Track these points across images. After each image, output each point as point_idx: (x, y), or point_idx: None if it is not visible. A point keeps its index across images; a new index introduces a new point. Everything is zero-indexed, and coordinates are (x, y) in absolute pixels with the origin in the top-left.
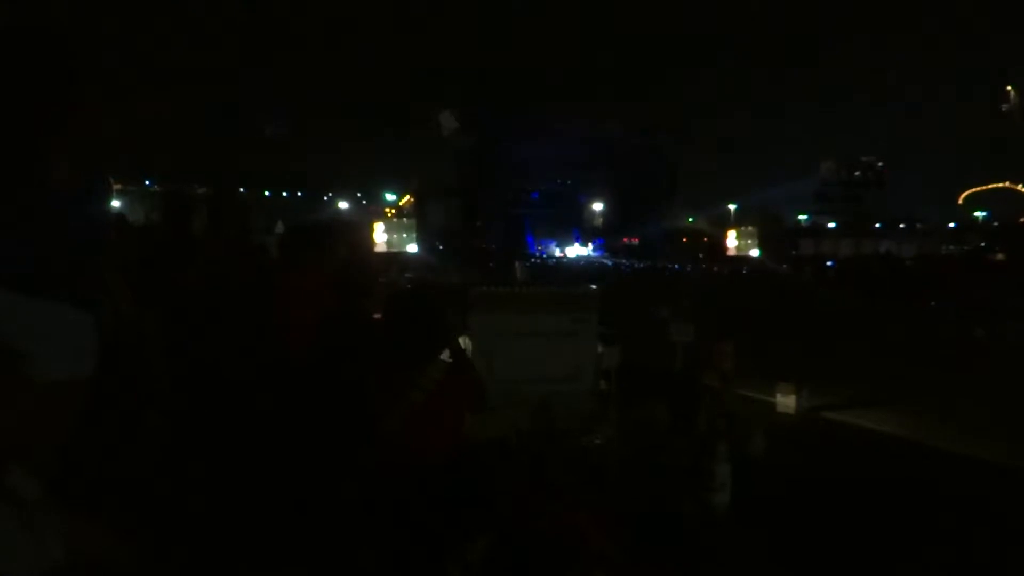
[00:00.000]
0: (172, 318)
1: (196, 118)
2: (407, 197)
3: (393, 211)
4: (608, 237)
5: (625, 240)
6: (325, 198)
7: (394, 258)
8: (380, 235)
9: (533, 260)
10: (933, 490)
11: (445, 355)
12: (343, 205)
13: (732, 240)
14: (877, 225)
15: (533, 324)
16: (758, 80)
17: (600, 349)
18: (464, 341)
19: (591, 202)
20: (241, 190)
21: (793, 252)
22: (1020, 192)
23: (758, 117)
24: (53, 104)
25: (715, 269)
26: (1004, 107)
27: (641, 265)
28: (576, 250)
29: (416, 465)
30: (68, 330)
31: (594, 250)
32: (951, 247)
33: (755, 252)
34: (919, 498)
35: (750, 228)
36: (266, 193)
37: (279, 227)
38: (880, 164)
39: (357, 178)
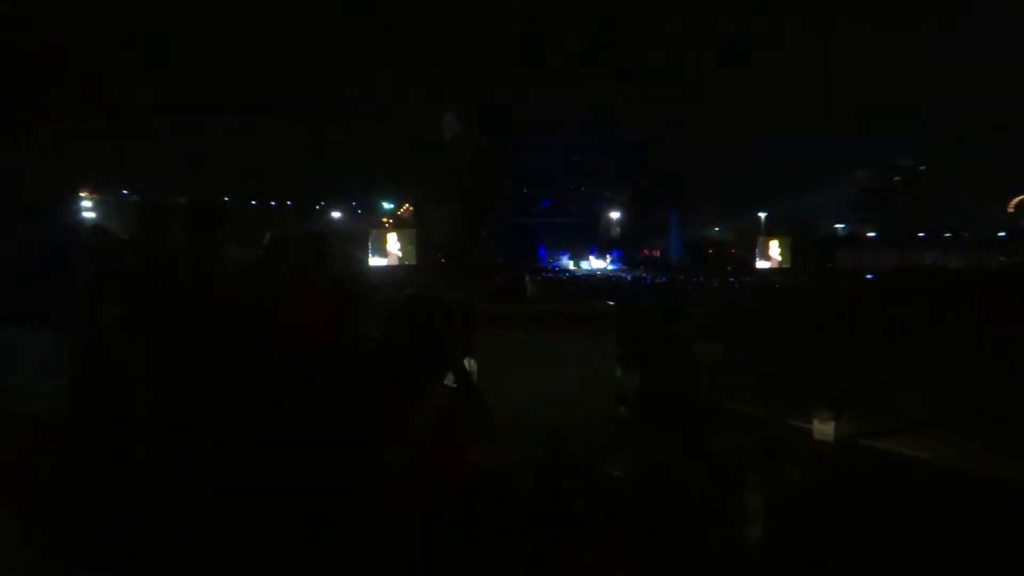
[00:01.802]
0: (153, 342)
1: (176, 123)
2: (405, 206)
3: (391, 221)
4: (627, 249)
5: (645, 252)
6: (317, 207)
7: (392, 272)
8: (391, 246)
9: (544, 274)
10: (988, 523)
11: (449, 379)
12: (336, 215)
13: (775, 250)
14: (920, 235)
15: (545, 344)
16: (787, 82)
17: (618, 372)
18: (469, 363)
19: (608, 210)
20: (225, 199)
21: (829, 264)
22: None
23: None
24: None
25: (745, 283)
26: None
27: (663, 279)
28: (592, 263)
29: (417, 501)
30: (46, 360)
31: (612, 263)
32: (1002, 259)
33: (778, 263)
34: (972, 531)
35: (783, 239)
36: (252, 203)
37: (267, 238)
38: (922, 167)
39: (352, 186)
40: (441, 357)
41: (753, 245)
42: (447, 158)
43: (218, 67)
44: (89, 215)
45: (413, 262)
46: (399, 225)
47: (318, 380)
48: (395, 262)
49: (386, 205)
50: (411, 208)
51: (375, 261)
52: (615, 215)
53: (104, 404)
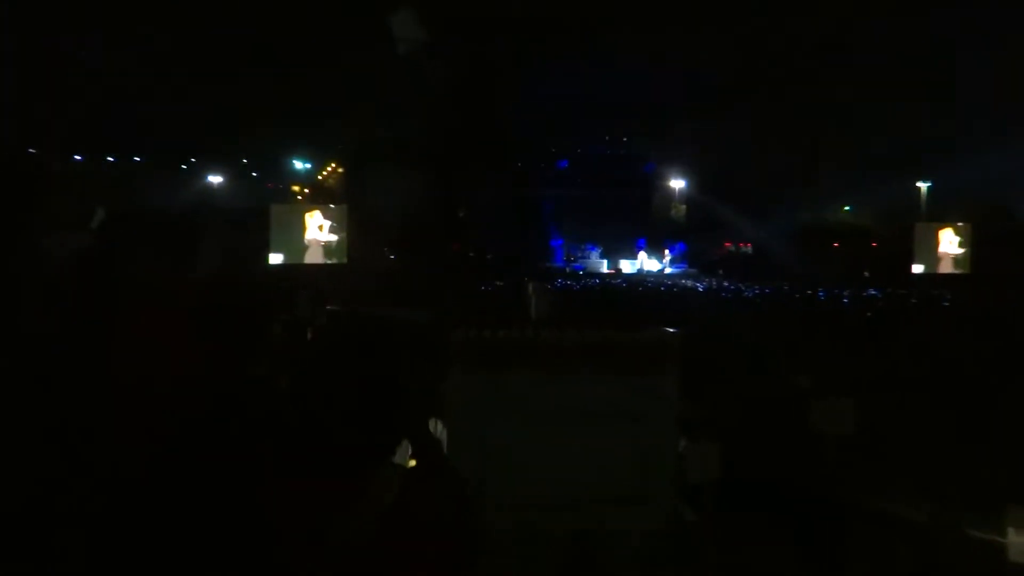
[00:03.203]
0: None
1: None
2: (331, 167)
3: (306, 191)
4: (698, 240)
5: (728, 245)
6: (183, 167)
7: (308, 276)
8: (311, 234)
9: (560, 281)
10: None
11: (402, 455)
12: (214, 180)
13: (948, 244)
14: None
15: (562, 398)
16: None
17: (683, 444)
18: (437, 428)
19: (666, 177)
20: (33, 152)
21: None
22: None
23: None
24: None
25: (893, 298)
26: None
27: (757, 291)
28: (639, 263)
29: None
30: None
31: (672, 263)
32: None
33: (951, 266)
34: None
35: (961, 226)
36: (76, 158)
37: (98, 218)
38: None
39: (242, 133)
40: (389, 418)
41: (907, 236)
42: (403, 86)
43: None
44: None
45: (343, 259)
46: (320, 199)
47: (171, 462)
48: (314, 259)
49: (298, 165)
50: (340, 171)
51: (276, 258)
52: (679, 185)
53: None
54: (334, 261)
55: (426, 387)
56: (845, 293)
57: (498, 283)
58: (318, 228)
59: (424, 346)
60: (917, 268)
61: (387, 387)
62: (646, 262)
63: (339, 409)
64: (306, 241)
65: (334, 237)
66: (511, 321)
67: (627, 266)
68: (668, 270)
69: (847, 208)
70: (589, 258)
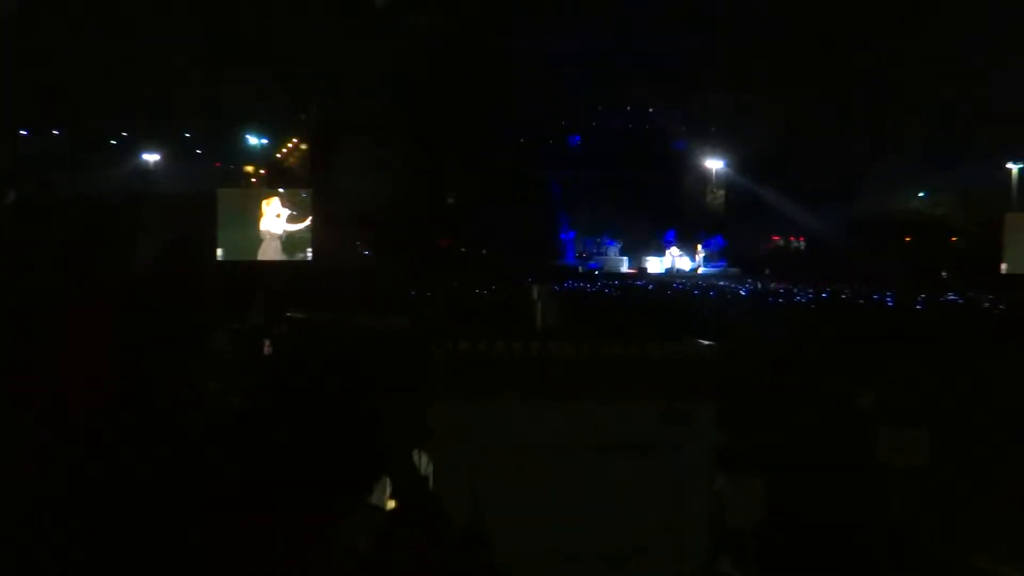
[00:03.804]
0: None
1: None
2: (292, 143)
3: (262, 174)
4: (740, 234)
5: (776, 239)
6: (113, 142)
7: (265, 275)
8: (268, 224)
9: (570, 282)
10: None
11: (379, 493)
12: (150, 158)
13: None
14: None
15: (573, 427)
16: None
17: (720, 481)
18: (422, 461)
19: (700, 156)
20: None
21: None
22: None
23: None
24: None
25: (976, 304)
26: None
27: (810, 294)
28: (668, 260)
29: None
30: None
31: (707, 262)
32: None
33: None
34: None
35: None
36: None
37: (7, 200)
38: None
39: (185, 102)
40: (363, 450)
41: (994, 229)
42: (380, 42)
43: None
44: None
45: (306, 255)
46: (279, 181)
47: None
48: (271, 255)
49: (252, 141)
50: (303, 148)
51: (227, 253)
52: (716, 165)
53: None
54: (296, 257)
55: (408, 412)
56: (915, 297)
57: (496, 285)
58: (276, 217)
59: (405, 362)
60: (1007, 268)
61: (360, 412)
62: (676, 259)
63: (301, 437)
64: (261, 233)
65: (295, 228)
66: (511, 332)
67: (653, 264)
68: (702, 269)
69: (921, 195)
70: (607, 255)
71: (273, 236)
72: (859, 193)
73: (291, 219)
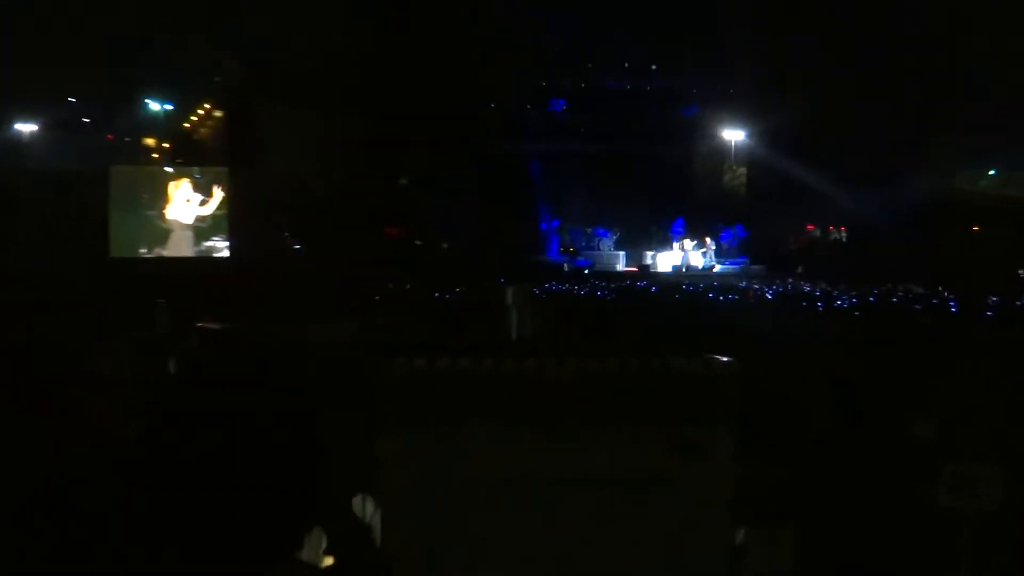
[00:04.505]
0: None
1: None
2: (205, 109)
3: (168, 145)
4: (765, 222)
5: (811, 229)
6: None
7: (173, 273)
8: (176, 211)
9: (556, 285)
10: None
11: (313, 545)
12: (25, 128)
13: None
14: None
15: (554, 460)
16: None
17: (741, 535)
18: (366, 507)
19: (716, 125)
20: None
21: None
22: None
23: None
24: None
25: None
26: None
27: (854, 298)
28: (680, 256)
29: None
30: None
31: (723, 258)
32: None
33: None
34: None
35: None
36: None
37: None
38: None
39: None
40: (294, 494)
41: None
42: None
43: None
44: None
45: (222, 250)
46: (188, 157)
47: None
48: (179, 249)
49: (155, 108)
50: (218, 116)
51: (122, 247)
52: (735, 136)
53: None
54: (209, 252)
55: (348, 447)
56: (990, 301)
57: (460, 287)
58: (185, 202)
59: (346, 384)
60: None
61: (289, 446)
62: (689, 254)
63: (213, 478)
64: (168, 221)
65: (207, 212)
66: (479, 345)
67: (659, 260)
68: (718, 267)
69: (992, 173)
70: (599, 249)
71: (181, 226)
72: (914, 172)
73: (204, 204)
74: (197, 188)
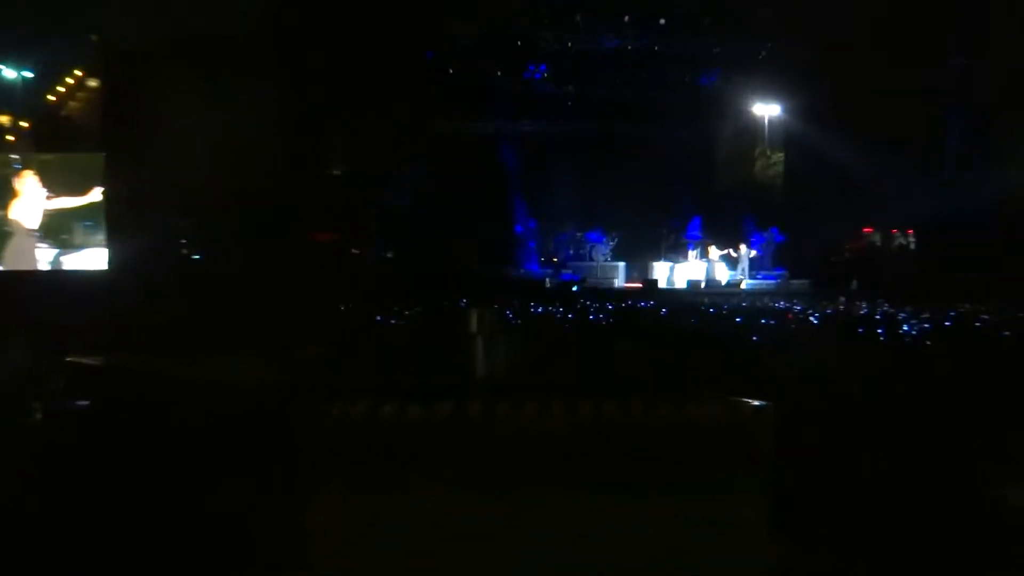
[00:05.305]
0: None
1: None
2: (74, 77)
3: (25, 124)
4: (808, 225)
5: (868, 232)
6: None
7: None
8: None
9: (535, 308)
10: None
11: None
12: None
13: None
14: None
15: (537, 539)
16: None
17: None
18: None
19: (743, 98)
20: None
21: None
22: None
23: None
24: None
25: None
26: None
27: (926, 322)
28: (707, 267)
29: None
30: None
31: (756, 270)
32: None
33: None
34: None
35: None
36: None
37: None
38: None
39: None
40: None
41: None
42: None
43: None
44: None
45: (98, 261)
46: (50, 140)
47: None
48: (29, 260)
49: (8, 75)
50: (92, 86)
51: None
52: (769, 112)
53: None
54: (80, 264)
55: (267, 517)
56: None
57: (410, 309)
58: (45, 199)
59: (263, 436)
60: None
61: (191, 520)
62: (715, 265)
63: (104, 565)
64: (11, 223)
65: (72, 206)
66: (436, 386)
67: (674, 274)
68: (747, 282)
69: None
70: (591, 259)
71: (25, 231)
72: (1001, 161)
73: (69, 199)
74: (56, 180)
